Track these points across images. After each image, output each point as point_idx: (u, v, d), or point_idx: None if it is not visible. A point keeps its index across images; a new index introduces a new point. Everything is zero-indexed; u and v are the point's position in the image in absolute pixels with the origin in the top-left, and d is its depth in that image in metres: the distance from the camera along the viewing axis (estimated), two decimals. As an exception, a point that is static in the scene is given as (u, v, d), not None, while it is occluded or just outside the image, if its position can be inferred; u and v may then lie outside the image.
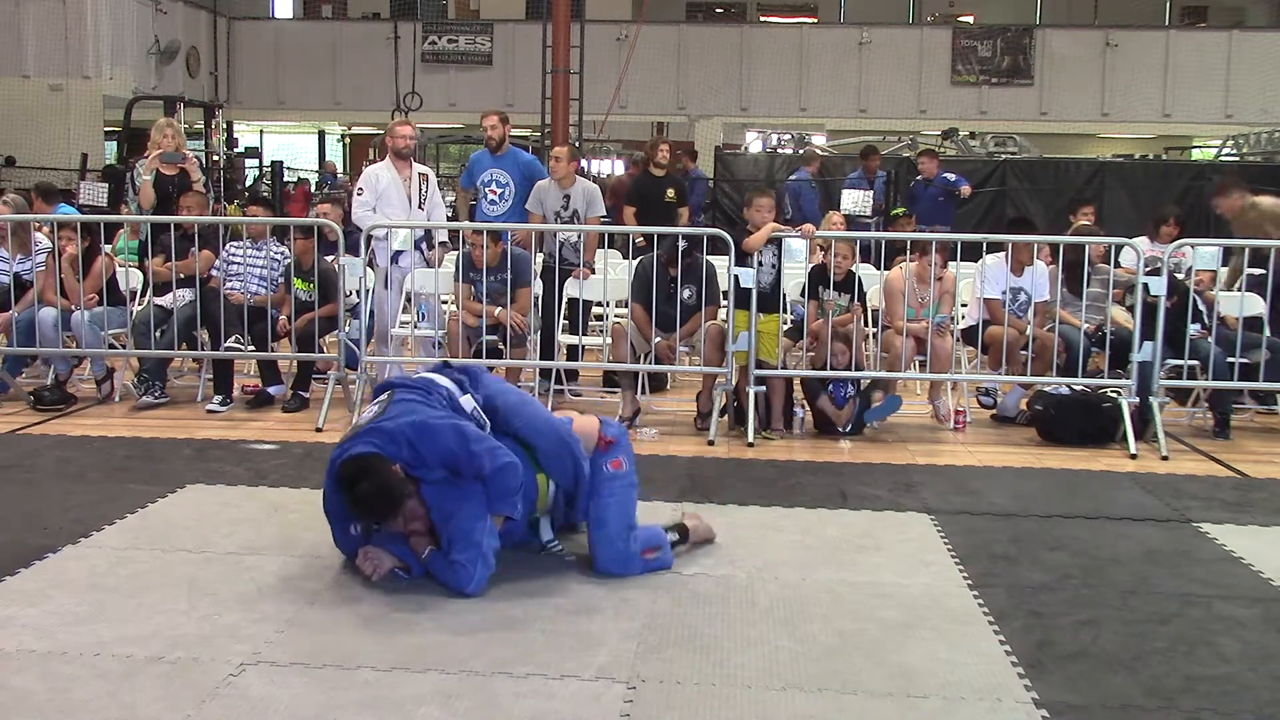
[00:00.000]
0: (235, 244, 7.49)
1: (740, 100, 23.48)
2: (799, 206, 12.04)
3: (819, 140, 21.13)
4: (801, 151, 14.92)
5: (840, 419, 6.70)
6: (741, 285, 6.50)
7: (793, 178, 13.01)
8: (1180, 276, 6.93)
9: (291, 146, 25.77)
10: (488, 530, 3.83)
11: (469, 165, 8.50)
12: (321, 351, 7.17)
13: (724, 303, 6.95)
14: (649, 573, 4.07)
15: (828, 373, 6.68)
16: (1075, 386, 6.62)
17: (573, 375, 7.79)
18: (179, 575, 4.01)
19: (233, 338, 6.98)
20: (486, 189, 8.10)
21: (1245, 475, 5.95)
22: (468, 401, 4.06)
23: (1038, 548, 4.53)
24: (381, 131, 18.40)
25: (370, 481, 3.73)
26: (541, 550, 4.20)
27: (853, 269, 7.04)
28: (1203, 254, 6.87)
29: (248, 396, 7.22)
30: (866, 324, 7.13)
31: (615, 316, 7.98)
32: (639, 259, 7.14)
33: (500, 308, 7.02)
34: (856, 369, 6.76)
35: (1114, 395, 6.55)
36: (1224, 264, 7.17)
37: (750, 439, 6.40)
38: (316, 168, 22.82)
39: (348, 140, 28.01)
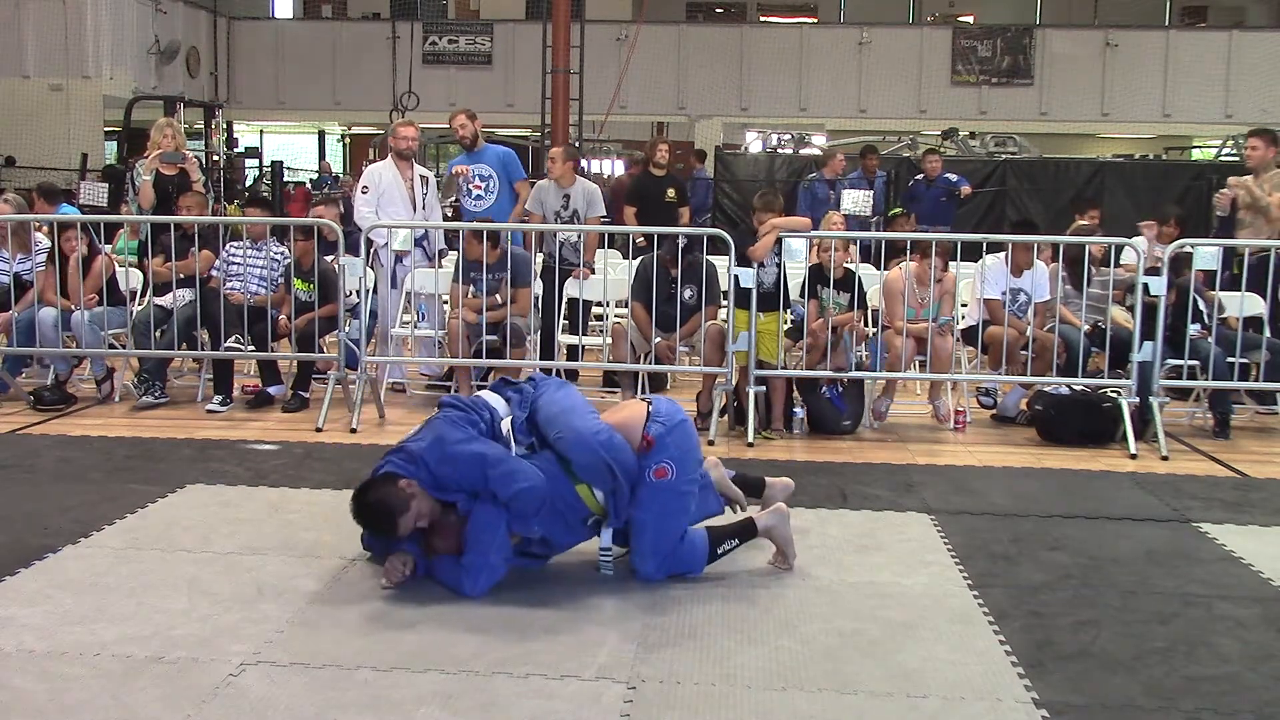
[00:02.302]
0: (235, 244, 7.49)
1: (740, 100, 23.49)
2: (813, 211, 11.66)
3: (819, 140, 21.13)
4: (821, 152, 14.46)
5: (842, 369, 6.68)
6: (741, 285, 6.50)
7: (810, 177, 12.74)
8: (1177, 277, 6.93)
9: (291, 146, 25.77)
10: (499, 542, 3.84)
11: (443, 173, 8.48)
12: (321, 351, 7.17)
13: (724, 303, 6.95)
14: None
15: (827, 373, 6.68)
16: (1075, 386, 6.62)
17: (573, 375, 7.78)
18: (179, 575, 4.01)
19: (233, 338, 6.98)
20: (469, 185, 8.11)
21: (1245, 475, 5.95)
22: (506, 425, 4.01)
23: (1038, 548, 4.53)
24: (381, 132, 18.44)
25: (372, 494, 3.87)
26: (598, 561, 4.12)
27: (850, 267, 7.04)
28: (1202, 254, 6.87)
29: (248, 396, 7.22)
30: (866, 325, 7.13)
31: (615, 316, 7.98)
32: (639, 259, 7.14)
33: (498, 301, 7.02)
34: (857, 369, 6.76)
35: (1114, 395, 6.55)
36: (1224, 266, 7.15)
37: (750, 439, 6.40)
38: (316, 168, 22.82)
39: (348, 140, 28.01)
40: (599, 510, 4.00)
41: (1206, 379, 6.76)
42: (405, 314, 7.91)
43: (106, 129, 19.58)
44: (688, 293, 6.91)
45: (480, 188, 8.08)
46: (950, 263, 7.00)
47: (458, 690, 3.16)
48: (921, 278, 6.97)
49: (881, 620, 3.73)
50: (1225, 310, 7.17)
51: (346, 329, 7.02)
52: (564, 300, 7.77)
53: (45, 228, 7.63)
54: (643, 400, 4.23)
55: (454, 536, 3.89)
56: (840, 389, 6.74)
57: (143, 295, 7.49)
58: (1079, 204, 9.41)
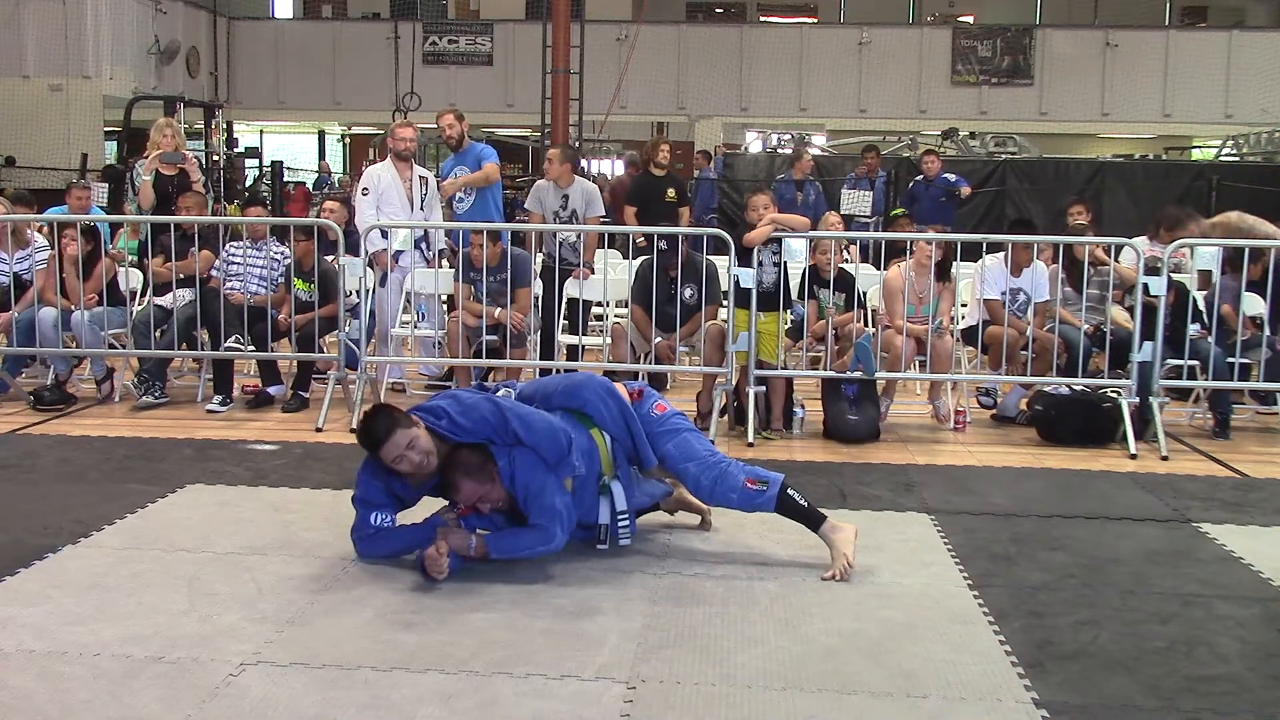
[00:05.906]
0: (235, 244, 7.49)
1: (740, 100, 23.49)
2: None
3: (819, 140, 21.13)
4: (821, 151, 14.49)
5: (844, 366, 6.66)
6: (741, 285, 6.50)
7: (779, 178, 12.77)
8: (1178, 276, 6.93)
9: (291, 147, 25.77)
10: (559, 490, 3.98)
11: (440, 174, 8.50)
12: (321, 351, 7.17)
13: (724, 303, 6.95)
14: (746, 507, 4.19)
15: (827, 373, 6.68)
16: (1075, 386, 6.62)
17: (573, 375, 7.78)
18: (179, 575, 4.01)
19: (233, 338, 6.98)
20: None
21: (1245, 475, 5.95)
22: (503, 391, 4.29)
23: (1038, 548, 4.53)
24: (381, 132, 18.45)
25: (380, 412, 4.06)
26: (608, 532, 4.20)
27: (845, 267, 7.02)
28: (1202, 254, 6.87)
29: (248, 396, 7.22)
30: (866, 325, 7.12)
31: (615, 316, 7.98)
32: (640, 259, 7.14)
33: (500, 308, 7.02)
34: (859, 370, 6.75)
35: (1114, 395, 6.55)
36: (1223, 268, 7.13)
37: (750, 439, 6.40)
38: (316, 168, 22.81)
39: (348, 140, 28.01)
40: (609, 467, 4.16)
41: (1206, 379, 6.77)
42: (405, 314, 7.91)
43: (106, 129, 19.57)
44: (688, 293, 6.91)
45: (461, 191, 8.07)
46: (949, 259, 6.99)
47: (458, 690, 3.16)
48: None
49: (881, 620, 3.72)
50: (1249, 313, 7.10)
51: (346, 329, 7.02)
52: (564, 300, 7.77)
53: (44, 228, 7.64)
54: None
55: (497, 489, 3.98)
56: (852, 394, 6.68)
57: (143, 295, 7.48)
58: (1070, 202, 9.37)
